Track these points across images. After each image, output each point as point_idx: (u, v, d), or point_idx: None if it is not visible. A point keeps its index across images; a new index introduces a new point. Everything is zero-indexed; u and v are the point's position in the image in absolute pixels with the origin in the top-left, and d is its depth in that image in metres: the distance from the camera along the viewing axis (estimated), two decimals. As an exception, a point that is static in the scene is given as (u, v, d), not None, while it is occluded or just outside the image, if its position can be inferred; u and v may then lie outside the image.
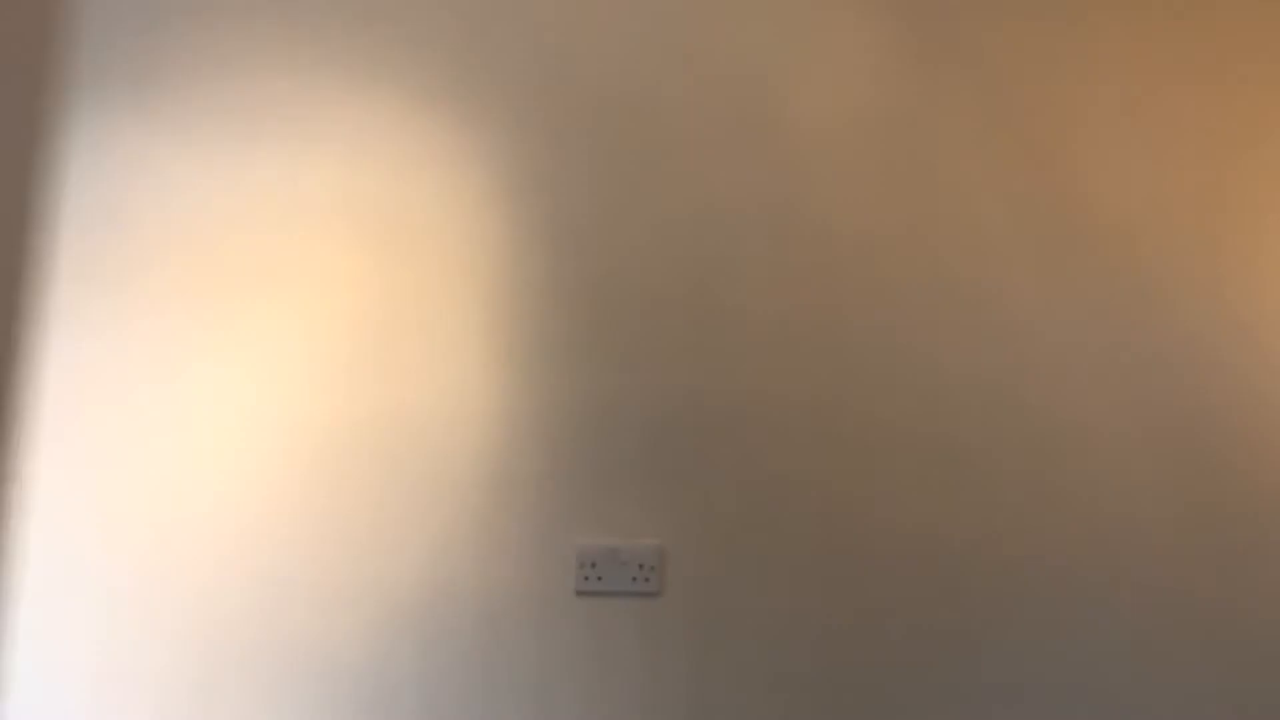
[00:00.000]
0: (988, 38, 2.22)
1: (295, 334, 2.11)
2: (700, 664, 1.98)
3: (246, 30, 2.27)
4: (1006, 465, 2.02)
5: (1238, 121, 2.17)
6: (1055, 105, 2.18)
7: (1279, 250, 2.09)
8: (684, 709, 1.97)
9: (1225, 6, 2.22)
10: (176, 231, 2.16)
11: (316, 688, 1.98)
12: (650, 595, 1.99)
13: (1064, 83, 2.19)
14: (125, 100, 2.21)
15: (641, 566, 1.99)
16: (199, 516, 2.05)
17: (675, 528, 2.01)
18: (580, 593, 1.99)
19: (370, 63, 2.22)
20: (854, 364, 2.05)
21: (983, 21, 2.21)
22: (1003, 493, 2.01)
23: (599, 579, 1.99)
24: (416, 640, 1.99)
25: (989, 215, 2.12)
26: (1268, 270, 2.08)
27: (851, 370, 2.05)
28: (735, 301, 2.08)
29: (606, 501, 2.02)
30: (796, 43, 2.22)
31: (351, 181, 2.16)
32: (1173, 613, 1.97)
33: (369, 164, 2.17)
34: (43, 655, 1.97)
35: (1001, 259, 2.10)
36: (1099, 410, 2.04)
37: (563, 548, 2.01)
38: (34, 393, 2.10)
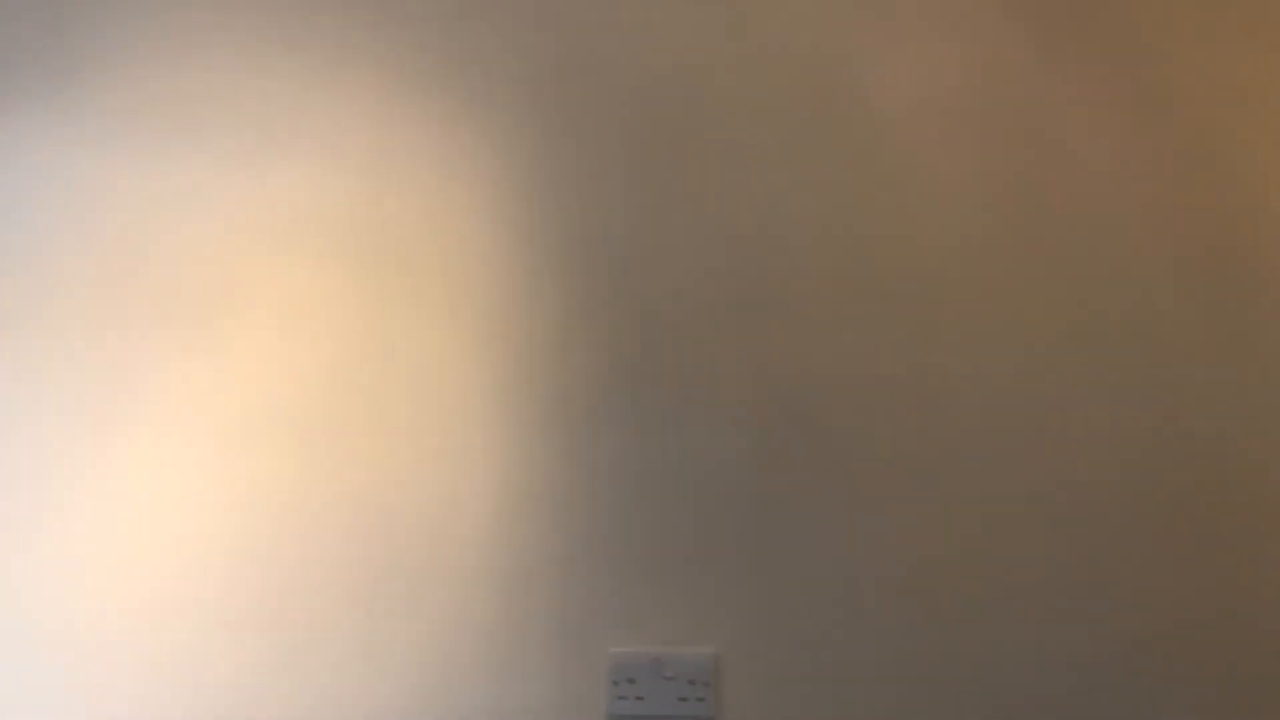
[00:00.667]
0: (1124, 6, 1.76)
1: (248, 385, 1.68)
2: (768, 805, 1.57)
3: (183, 8, 1.81)
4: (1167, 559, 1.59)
5: None
6: (1212, 90, 1.72)
7: None
8: None
9: None
10: (94, 254, 1.73)
11: (284, 840, 1.58)
12: None
13: (1222, 62, 1.73)
14: (33, 96, 1.76)
15: (692, 682, 1.58)
16: (121, 630, 1.63)
17: (734, 631, 1.59)
18: (615, 716, 1.58)
19: (341, 44, 1.77)
20: (962, 422, 1.62)
21: (1111, -20, 1.76)
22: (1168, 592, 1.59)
23: (638, 698, 1.58)
24: (410, 778, 1.58)
25: (1129, 227, 1.67)
26: None
27: (958, 429, 1.62)
28: (804, 341, 1.65)
29: (647, 598, 1.60)
30: (878, 11, 1.76)
31: (320, 190, 1.72)
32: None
33: (341, 168, 1.73)
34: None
35: (1149, 282, 1.66)
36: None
37: (592, 657, 1.59)
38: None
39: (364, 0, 1.80)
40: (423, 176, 1.72)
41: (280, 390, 1.68)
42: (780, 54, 1.75)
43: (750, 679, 1.59)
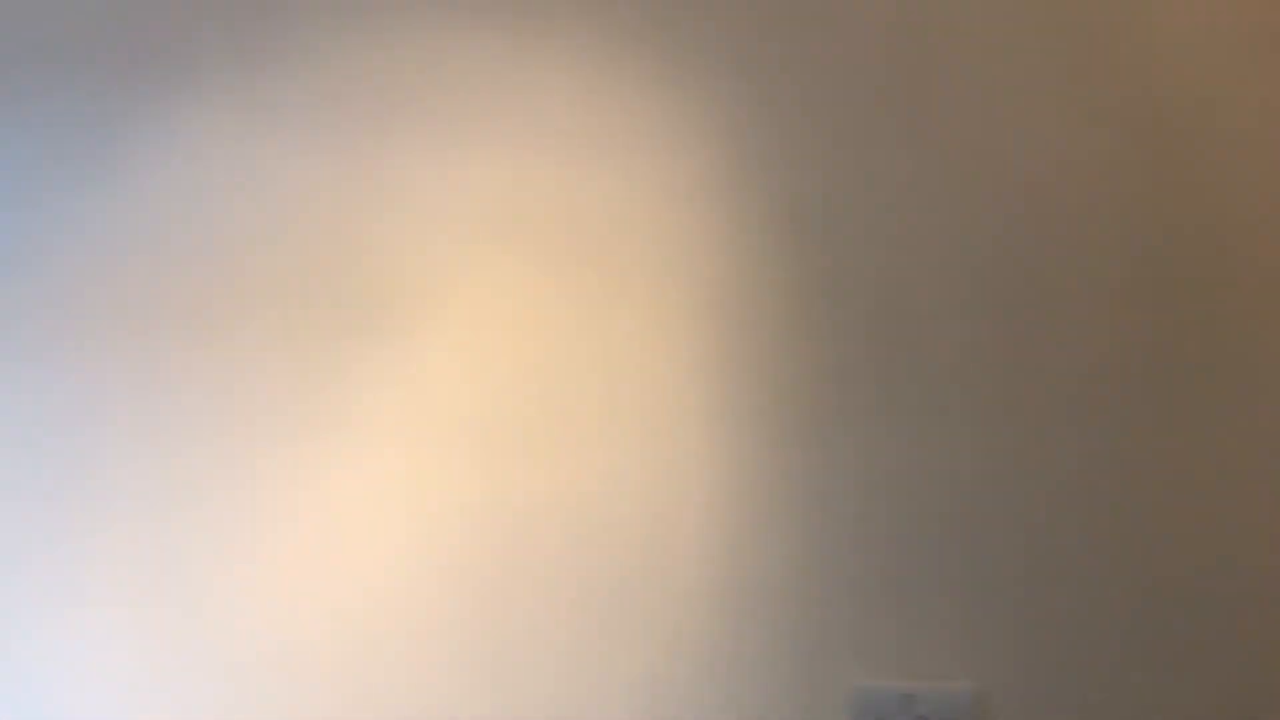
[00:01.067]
0: None
1: (442, 389, 1.54)
2: None
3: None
4: None
5: None
6: None
7: None
8: None
9: None
10: (282, 253, 1.61)
11: None
12: (964, 763, 1.36)
13: None
14: (217, 89, 1.67)
15: (951, 723, 1.36)
16: (310, 644, 1.50)
17: (998, 664, 1.37)
18: (861, 761, 1.37)
19: (534, 22, 1.62)
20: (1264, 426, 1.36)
21: None
22: None
23: (888, 740, 1.37)
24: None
25: None
26: None
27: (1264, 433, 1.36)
28: (1082, 325, 1.41)
29: (895, 623, 1.40)
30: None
31: (515, 179, 1.58)
32: None
33: (538, 153, 1.58)
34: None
35: None
36: None
37: (831, 692, 1.39)
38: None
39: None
40: (627, 158, 1.56)
41: (475, 394, 1.53)
42: None
43: (1016, 718, 1.36)
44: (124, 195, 1.65)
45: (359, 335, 1.57)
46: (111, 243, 1.64)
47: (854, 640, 1.40)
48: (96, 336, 1.63)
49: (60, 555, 1.59)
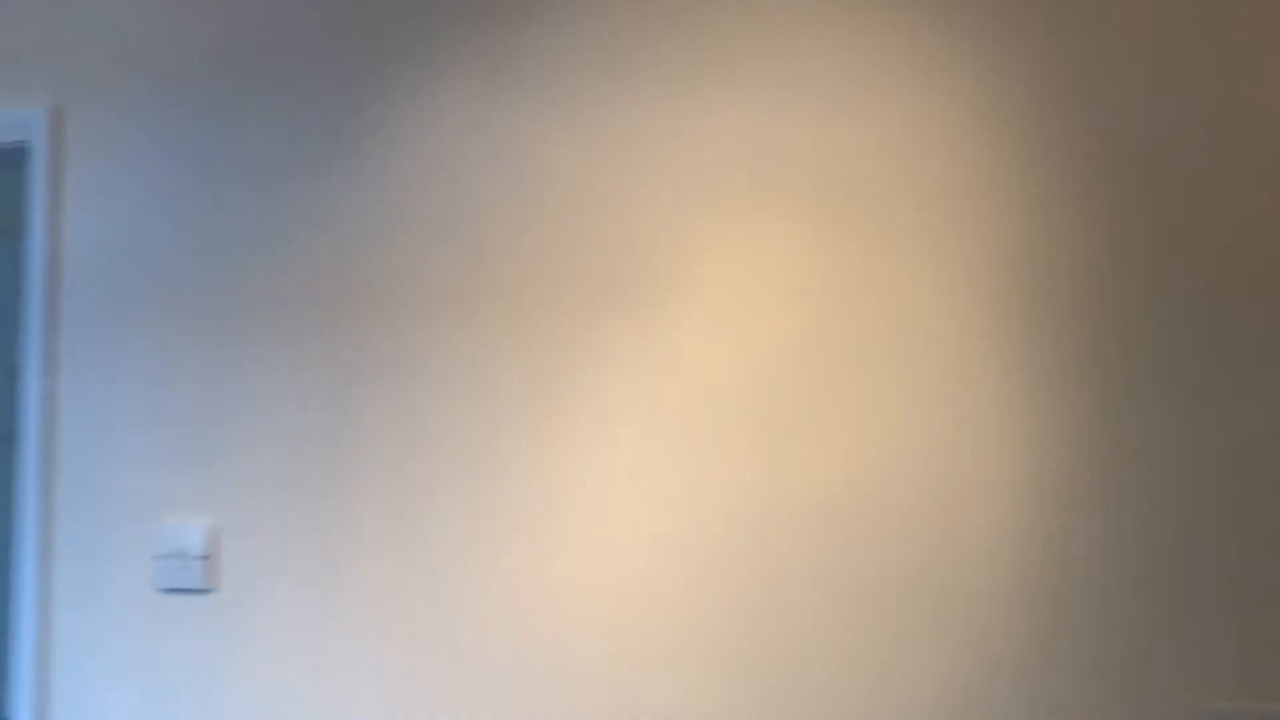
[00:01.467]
0: None
1: (703, 363, 1.38)
2: None
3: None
4: None
5: None
6: None
7: None
8: None
9: None
10: (528, 223, 1.48)
11: None
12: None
13: None
14: (459, 58, 1.52)
15: (1327, 755, 1.15)
16: (543, 636, 1.37)
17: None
18: (1213, 795, 1.17)
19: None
20: None
21: None
22: None
23: (1246, 772, 1.16)
24: None
25: None
26: None
27: None
28: None
29: (1251, 636, 1.18)
30: None
31: (770, 128, 1.40)
32: None
33: (794, 97, 1.39)
34: None
35: None
36: None
37: (1174, 714, 1.19)
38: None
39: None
40: (902, 96, 1.36)
41: (735, 369, 1.37)
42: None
43: None
44: (372, 179, 1.55)
45: (607, 309, 1.42)
46: (361, 225, 1.55)
47: (1199, 655, 1.20)
48: (349, 320, 1.52)
49: (315, 548, 1.50)
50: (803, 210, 1.37)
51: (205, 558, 1.56)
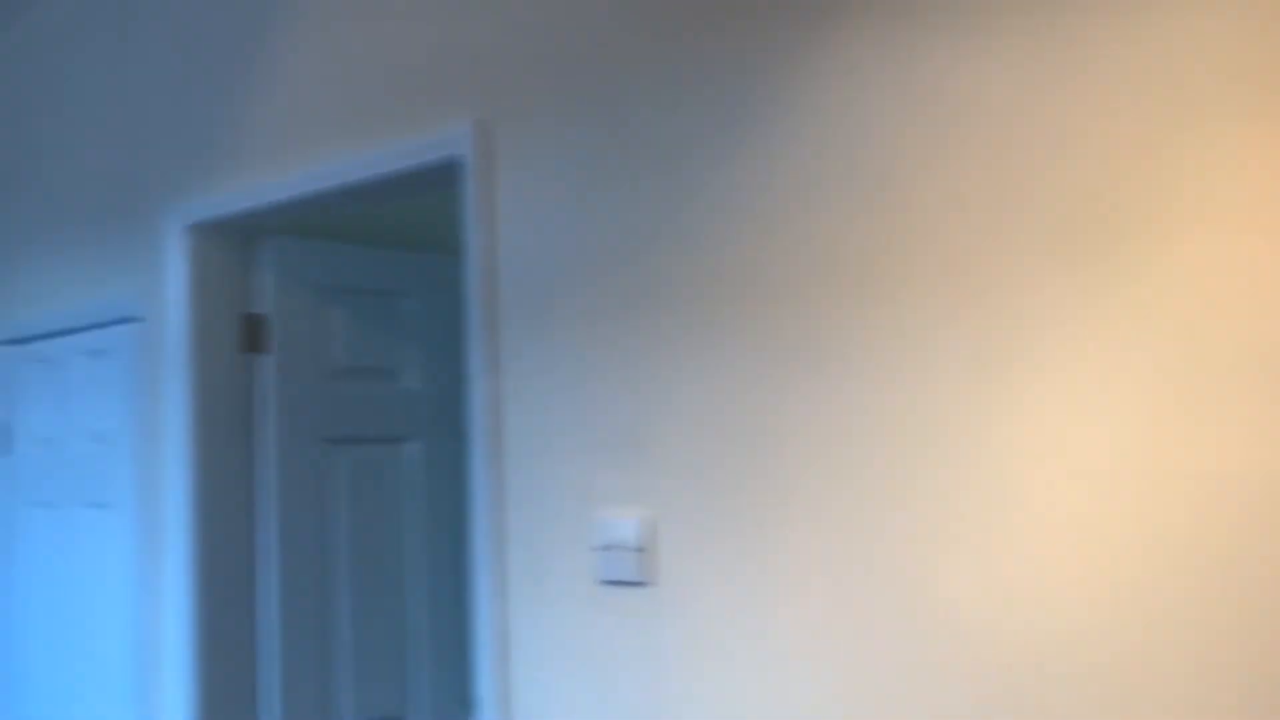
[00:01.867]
0: None
1: (1195, 321, 1.18)
2: None
3: None
4: None
5: None
6: None
7: None
8: None
9: None
10: (955, 172, 1.35)
11: None
12: None
13: None
14: (856, 6, 1.43)
15: None
16: (996, 632, 1.22)
17: None
18: None
19: None
20: None
21: None
22: None
23: None
24: None
25: None
26: None
27: None
28: None
29: None
30: None
31: (1245, 30, 1.17)
32: None
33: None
34: None
35: None
36: None
37: None
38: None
39: None
40: None
41: (1245, 324, 1.15)
42: None
43: None
44: (776, 151, 1.48)
45: (1063, 264, 1.26)
46: (771, 203, 1.49)
47: None
48: (763, 304, 1.48)
49: (749, 538, 1.46)
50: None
51: (640, 550, 1.56)
